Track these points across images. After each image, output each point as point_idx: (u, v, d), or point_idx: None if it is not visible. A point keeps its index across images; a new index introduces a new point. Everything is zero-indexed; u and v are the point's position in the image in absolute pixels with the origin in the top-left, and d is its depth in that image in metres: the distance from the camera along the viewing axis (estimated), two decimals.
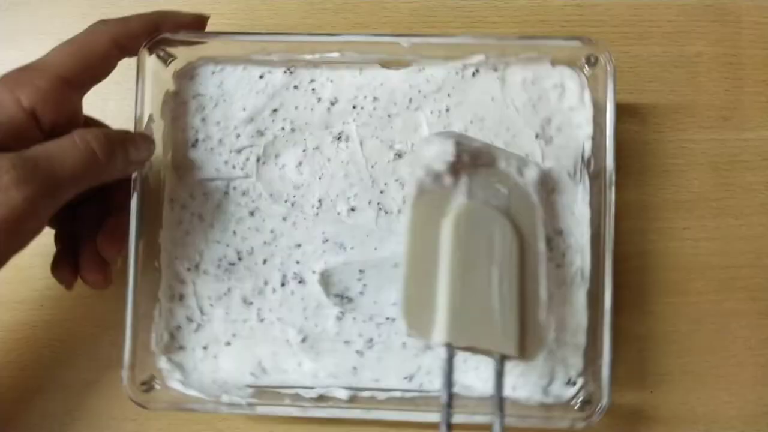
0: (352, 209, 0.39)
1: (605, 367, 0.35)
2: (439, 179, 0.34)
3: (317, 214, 0.39)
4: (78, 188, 0.31)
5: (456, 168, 0.34)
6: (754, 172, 0.41)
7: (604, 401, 0.35)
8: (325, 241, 0.39)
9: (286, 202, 0.39)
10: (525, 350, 0.33)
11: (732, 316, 0.40)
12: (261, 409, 0.37)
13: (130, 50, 0.35)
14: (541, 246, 0.35)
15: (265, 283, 0.39)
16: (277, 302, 0.39)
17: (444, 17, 0.43)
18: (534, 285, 0.34)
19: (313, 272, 0.38)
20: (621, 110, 0.38)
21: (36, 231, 0.31)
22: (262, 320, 0.39)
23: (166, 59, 0.38)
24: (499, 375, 0.32)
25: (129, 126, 0.36)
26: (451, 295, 0.32)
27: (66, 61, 0.32)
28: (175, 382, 0.38)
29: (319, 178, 0.39)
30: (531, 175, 0.36)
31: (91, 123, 0.37)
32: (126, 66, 0.36)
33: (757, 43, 0.42)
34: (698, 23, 0.42)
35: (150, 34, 0.36)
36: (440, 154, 0.33)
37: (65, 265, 0.36)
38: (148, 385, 0.37)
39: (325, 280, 0.38)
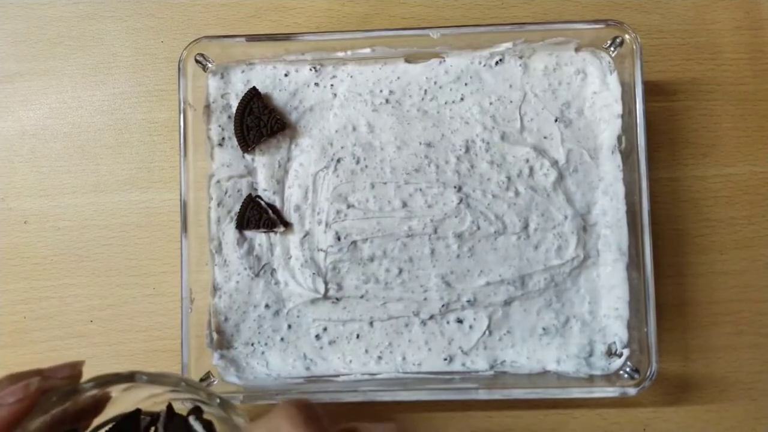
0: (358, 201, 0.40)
1: (651, 335, 0.36)
2: None
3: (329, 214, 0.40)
4: None
5: None
6: None
7: (654, 367, 0.36)
8: (337, 234, 0.40)
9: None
10: None
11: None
12: (314, 397, 0.37)
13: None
14: None
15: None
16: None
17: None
18: None
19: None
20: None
21: None
22: (297, 317, 0.40)
23: (204, 64, 0.39)
24: None
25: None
26: None
27: None
28: (230, 377, 0.39)
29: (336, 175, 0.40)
30: None
31: None
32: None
33: None
34: None
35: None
36: None
37: None
38: (206, 382, 0.38)
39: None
